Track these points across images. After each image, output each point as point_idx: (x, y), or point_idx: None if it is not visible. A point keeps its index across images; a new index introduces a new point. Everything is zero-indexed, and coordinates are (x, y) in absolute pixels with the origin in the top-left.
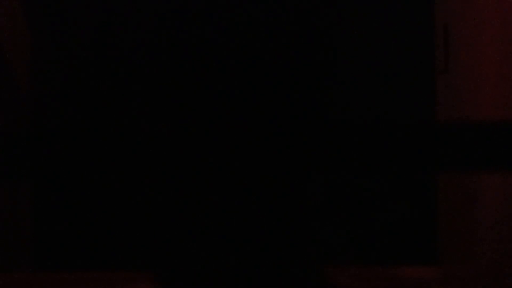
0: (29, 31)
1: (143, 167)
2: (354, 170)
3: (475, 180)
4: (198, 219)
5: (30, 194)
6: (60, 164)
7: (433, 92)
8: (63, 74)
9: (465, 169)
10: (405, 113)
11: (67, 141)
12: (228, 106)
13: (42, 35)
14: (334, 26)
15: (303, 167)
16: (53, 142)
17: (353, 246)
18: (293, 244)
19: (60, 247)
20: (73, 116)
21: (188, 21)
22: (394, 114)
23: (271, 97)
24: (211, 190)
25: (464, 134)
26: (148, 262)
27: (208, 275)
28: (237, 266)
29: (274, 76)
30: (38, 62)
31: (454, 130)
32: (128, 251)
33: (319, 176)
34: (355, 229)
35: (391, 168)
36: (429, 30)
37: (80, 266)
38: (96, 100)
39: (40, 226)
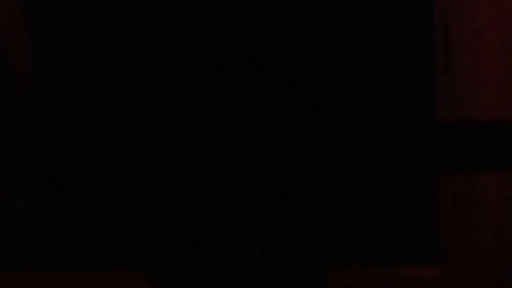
0: (29, 31)
1: (143, 167)
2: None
3: (475, 180)
4: (198, 219)
5: (30, 194)
6: (60, 164)
7: (433, 92)
8: (63, 74)
9: (465, 169)
10: (405, 113)
11: (67, 141)
12: (228, 106)
13: (42, 35)
14: (334, 26)
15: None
16: (53, 142)
17: (353, 246)
18: (293, 244)
19: (60, 247)
20: (73, 116)
21: (188, 21)
22: (394, 114)
23: (271, 97)
24: (211, 190)
25: (464, 134)
26: (148, 262)
27: (208, 275)
28: (237, 266)
29: (274, 76)
30: (38, 62)
31: (454, 130)
32: (128, 251)
33: (319, 176)
34: (355, 229)
35: (391, 168)
36: (429, 30)
37: (80, 266)
38: (96, 100)
39: (40, 226)
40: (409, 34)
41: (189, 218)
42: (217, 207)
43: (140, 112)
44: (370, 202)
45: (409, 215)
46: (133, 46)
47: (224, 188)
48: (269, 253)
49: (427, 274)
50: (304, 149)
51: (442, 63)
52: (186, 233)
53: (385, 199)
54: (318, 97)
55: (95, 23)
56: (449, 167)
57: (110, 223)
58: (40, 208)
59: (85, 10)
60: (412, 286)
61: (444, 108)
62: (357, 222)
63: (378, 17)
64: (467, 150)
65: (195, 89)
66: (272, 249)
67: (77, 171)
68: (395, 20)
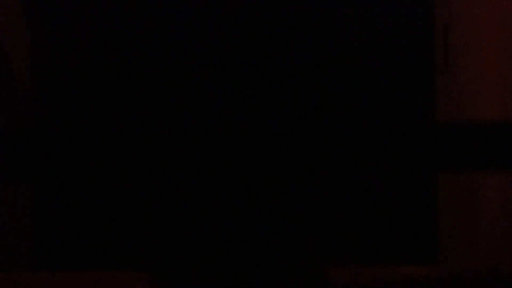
0: (29, 31)
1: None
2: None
3: (475, 180)
4: (198, 219)
5: (30, 194)
6: (60, 164)
7: (433, 92)
8: (63, 74)
9: (465, 169)
10: (405, 113)
11: (67, 140)
12: (228, 106)
13: (42, 35)
14: (334, 26)
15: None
16: (53, 142)
17: (353, 246)
18: (293, 244)
19: (60, 247)
20: (73, 116)
21: (188, 21)
22: (394, 114)
23: (271, 97)
24: (211, 190)
25: (464, 134)
26: (148, 262)
27: (208, 275)
28: (237, 266)
29: (274, 76)
30: (38, 62)
31: (454, 130)
32: (128, 251)
33: (319, 176)
34: (355, 229)
35: (391, 168)
36: (429, 30)
37: (80, 266)
38: (96, 100)
39: (40, 226)
40: (409, 34)
41: (189, 218)
42: (217, 207)
43: (140, 112)
44: (370, 202)
45: (409, 215)
46: (133, 46)
47: (224, 188)
48: (269, 253)
49: (427, 274)
50: (304, 149)
51: (442, 63)
52: (186, 233)
53: (385, 199)
54: (316, 96)
55: (95, 23)
56: (449, 167)
57: (110, 223)
58: (40, 208)
59: (85, 10)
60: (411, 286)
61: (444, 108)
62: (357, 222)
63: (378, 17)
64: (467, 150)
65: (195, 90)
66: (272, 249)
67: (77, 171)
68: (395, 20)
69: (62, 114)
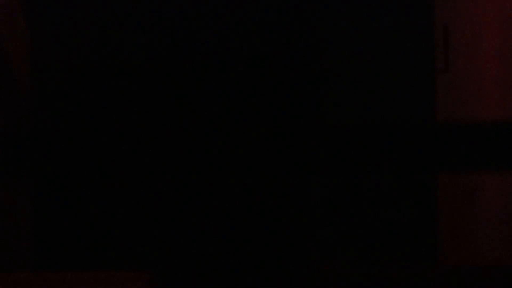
0: (29, 31)
1: (143, 167)
2: (354, 170)
3: (475, 180)
4: (198, 219)
5: (30, 194)
6: (60, 164)
7: (433, 92)
8: (63, 74)
9: (465, 168)
10: (405, 113)
11: (67, 141)
12: (229, 107)
13: (42, 35)
14: (334, 26)
15: (303, 168)
16: (53, 142)
17: (353, 246)
18: (293, 244)
19: (60, 247)
20: (73, 116)
21: (188, 22)
22: (394, 114)
23: (271, 98)
24: (211, 190)
25: (464, 134)
26: (148, 262)
27: (208, 275)
28: (236, 266)
29: (274, 77)
30: (38, 62)
31: (454, 130)
32: (128, 251)
33: (320, 177)
34: (355, 229)
35: (391, 168)
36: (429, 30)
37: (80, 266)
38: (96, 100)
39: (41, 225)
40: (409, 33)
41: (189, 218)
42: (217, 207)
43: (140, 112)
44: (370, 202)
45: (409, 214)
46: (133, 47)
47: (224, 189)
48: (269, 253)
49: (427, 273)
50: (304, 150)
51: (442, 63)
52: (186, 233)
53: (385, 199)
54: (317, 98)
55: (94, 23)
56: (449, 167)
57: (110, 223)
58: (40, 208)
59: (85, 10)
60: (411, 286)
61: (444, 108)
62: (358, 222)
63: (378, 17)
64: (467, 150)
65: (196, 89)
66: (272, 249)
67: (77, 171)
68: (395, 20)
69: (62, 114)
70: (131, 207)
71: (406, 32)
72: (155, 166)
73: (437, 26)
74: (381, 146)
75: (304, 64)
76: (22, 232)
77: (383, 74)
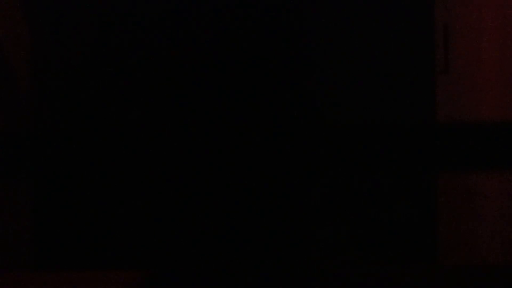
0: (29, 31)
1: (143, 167)
2: (354, 170)
3: (475, 180)
4: (198, 219)
5: (30, 194)
6: (60, 164)
7: (433, 92)
8: (63, 73)
9: (465, 168)
10: (405, 113)
11: (67, 141)
12: (229, 107)
13: (42, 35)
14: (334, 27)
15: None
16: (53, 142)
17: (354, 246)
18: (293, 244)
19: (60, 247)
20: (73, 116)
21: (188, 21)
22: (394, 114)
23: (271, 98)
24: (211, 190)
25: (464, 134)
26: (148, 262)
27: (208, 275)
28: (236, 265)
29: (274, 77)
30: (38, 62)
31: (454, 130)
32: (128, 251)
33: (320, 176)
34: (355, 229)
35: (391, 168)
36: (429, 30)
37: (80, 266)
38: (97, 100)
39: (41, 225)
40: (409, 34)
41: (189, 218)
42: (217, 207)
43: (140, 112)
44: (370, 202)
45: (409, 215)
46: (133, 47)
47: (224, 189)
48: (268, 252)
49: (427, 273)
50: (305, 150)
51: (442, 63)
52: (185, 233)
53: (385, 199)
54: (315, 97)
55: (95, 23)
56: (449, 167)
57: (110, 223)
58: (40, 208)
59: (85, 10)
60: (411, 286)
61: (444, 108)
62: (357, 222)
63: (378, 17)
64: (467, 150)
65: (197, 89)
66: (271, 248)
67: (77, 171)
68: (395, 20)
69: (62, 114)
70: (130, 207)
71: (406, 32)
72: (155, 166)
73: (437, 26)
74: (381, 146)
75: (304, 64)
76: (22, 232)
77: (383, 74)
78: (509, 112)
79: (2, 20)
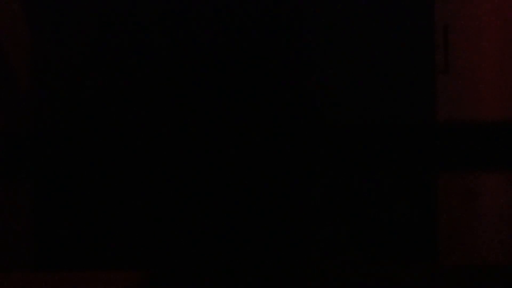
0: (29, 31)
1: (143, 167)
2: (354, 170)
3: (475, 180)
4: (198, 219)
5: (30, 194)
6: (60, 164)
7: (433, 92)
8: (63, 73)
9: (465, 168)
10: (405, 113)
11: (67, 141)
12: (229, 107)
13: (42, 35)
14: (335, 27)
15: (304, 168)
16: (53, 142)
17: (353, 245)
18: (293, 244)
19: (60, 247)
20: (73, 116)
21: (188, 22)
22: (394, 114)
23: (272, 98)
24: (211, 190)
25: (464, 134)
26: (148, 262)
27: (208, 275)
28: (236, 265)
29: (274, 77)
30: (38, 62)
31: (454, 130)
32: (128, 251)
33: (320, 176)
34: (355, 229)
35: (391, 168)
36: (429, 30)
37: (80, 265)
38: (96, 100)
39: (41, 225)
40: (409, 34)
41: (189, 218)
42: (217, 207)
43: (140, 112)
44: (370, 202)
45: (409, 215)
46: (133, 46)
47: (224, 189)
48: (268, 252)
49: (427, 273)
50: (305, 150)
51: (442, 63)
52: (185, 233)
53: (385, 199)
54: (315, 97)
55: (95, 23)
56: (449, 167)
57: (110, 223)
58: (40, 208)
59: (85, 10)
60: (411, 286)
61: (444, 108)
62: (357, 222)
63: (378, 17)
64: (467, 150)
65: (197, 89)
66: (271, 248)
67: (77, 171)
68: (395, 20)
69: (62, 114)
70: (131, 207)
71: (406, 32)
72: (155, 166)
73: (437, 26)
74: (381, 146)
75: (304, 64)
76: (22, 232)
77: (383, 74)
78: (509, 112)
79: (2, 20)
